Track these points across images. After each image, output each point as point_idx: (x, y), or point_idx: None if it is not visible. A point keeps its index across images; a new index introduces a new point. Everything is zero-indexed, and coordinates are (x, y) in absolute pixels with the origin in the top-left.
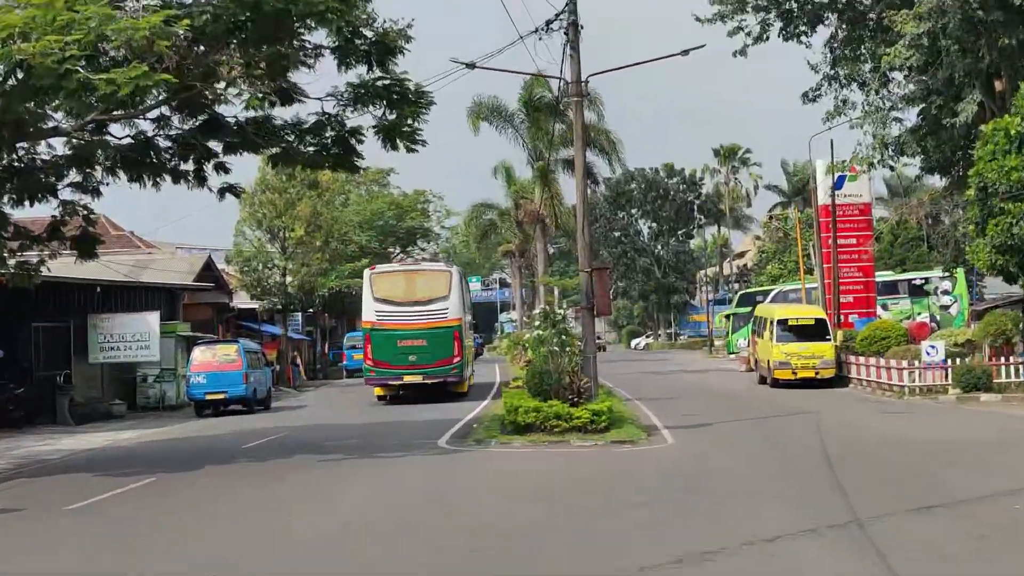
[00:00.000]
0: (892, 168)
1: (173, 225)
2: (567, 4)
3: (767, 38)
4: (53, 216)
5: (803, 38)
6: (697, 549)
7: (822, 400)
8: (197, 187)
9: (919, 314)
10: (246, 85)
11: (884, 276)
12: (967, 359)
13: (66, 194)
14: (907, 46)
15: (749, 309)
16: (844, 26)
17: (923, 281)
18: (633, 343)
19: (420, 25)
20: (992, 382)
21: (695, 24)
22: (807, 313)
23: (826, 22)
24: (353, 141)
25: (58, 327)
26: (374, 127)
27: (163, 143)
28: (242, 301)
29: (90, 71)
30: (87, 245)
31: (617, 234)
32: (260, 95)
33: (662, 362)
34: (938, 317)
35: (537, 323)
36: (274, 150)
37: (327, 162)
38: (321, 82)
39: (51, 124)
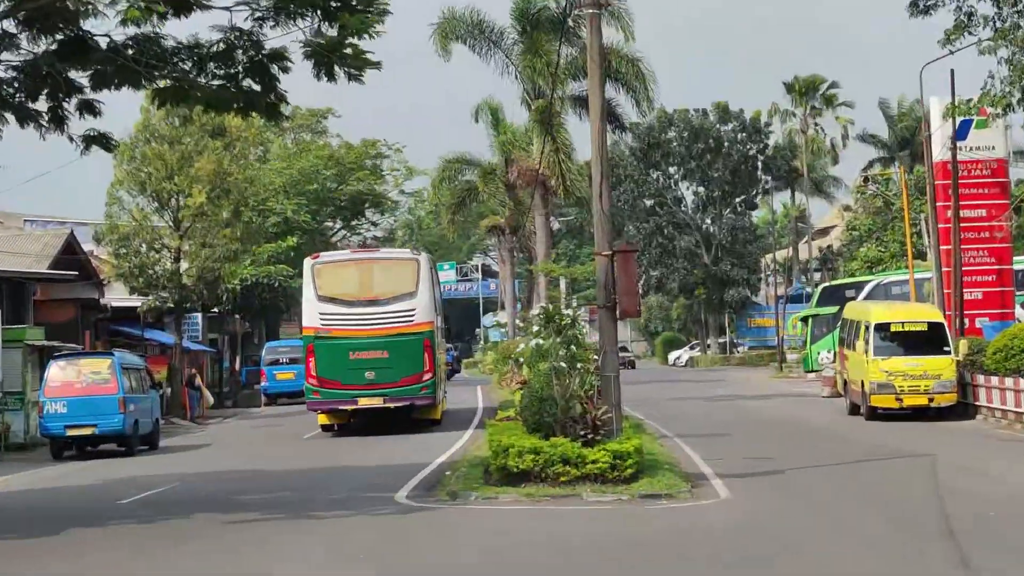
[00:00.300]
0: None
1: (18, 189)
2: None
3: None
4: None
5: None
6: None
7: (938, 438)
8: (54, 133)
9: None
10: None
11: None
12: None
13: None
14: None
15: (835, 309)
16: None
17: None
18: (672, 357)
19: None
20: None
21: None
22: (917, 315)
23: None
24: (275, 69)
25: None
26: (304, 48)
27: (3, 72)
28: (118, 296)
29: None
30: None
31: (649, 203)
32: (143, 3)
33: (713, 384)
34: None
35: (536, 328)
36: (163, 83)
37: (238, 100)
38: None
39: None
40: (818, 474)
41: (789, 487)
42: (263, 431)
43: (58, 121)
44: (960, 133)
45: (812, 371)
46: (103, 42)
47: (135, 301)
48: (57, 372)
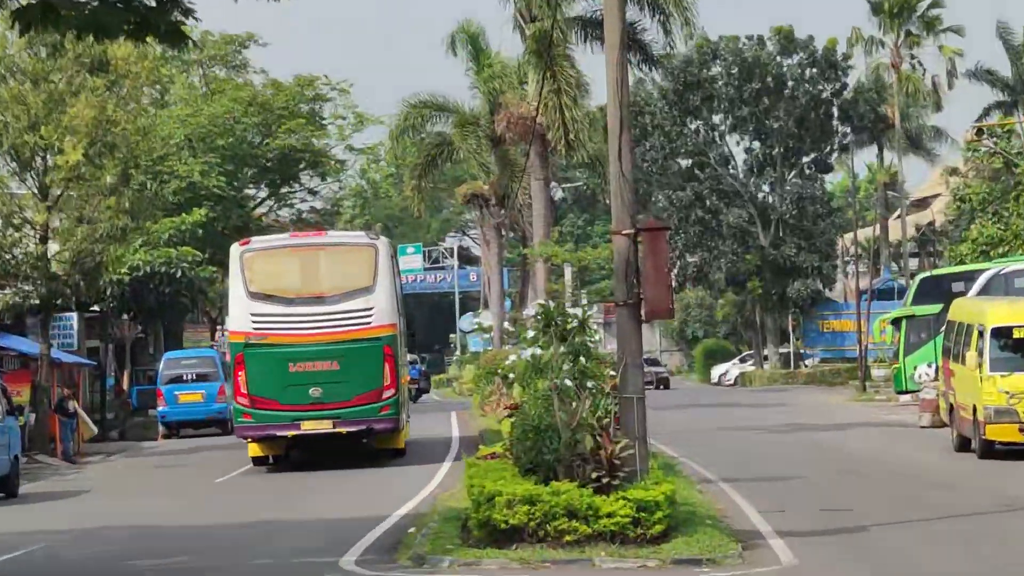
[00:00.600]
0: None
1: None
2: None
3: None
4: None
5: None
6: None
7: None
8: None
9: None
10: None
11: None
12: None
13: None
14: None
15: (938, 309)
16: None
17: None
18: (716, 372)
19: None
20: None
21: None
22: None
23: None
24: None
25: None
26: None
27: None
28: None
29: None
30: None
31: (686, 163)
32: None
33: (771, 410)
34: None
35: (531, 334)
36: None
37: (127, 20)
38: None
39: None
40: (914, 534)
41: (874, 552)
42: (161, 472)
43: None
44: None
45: (906, 392)
46: None
47: None
48: None
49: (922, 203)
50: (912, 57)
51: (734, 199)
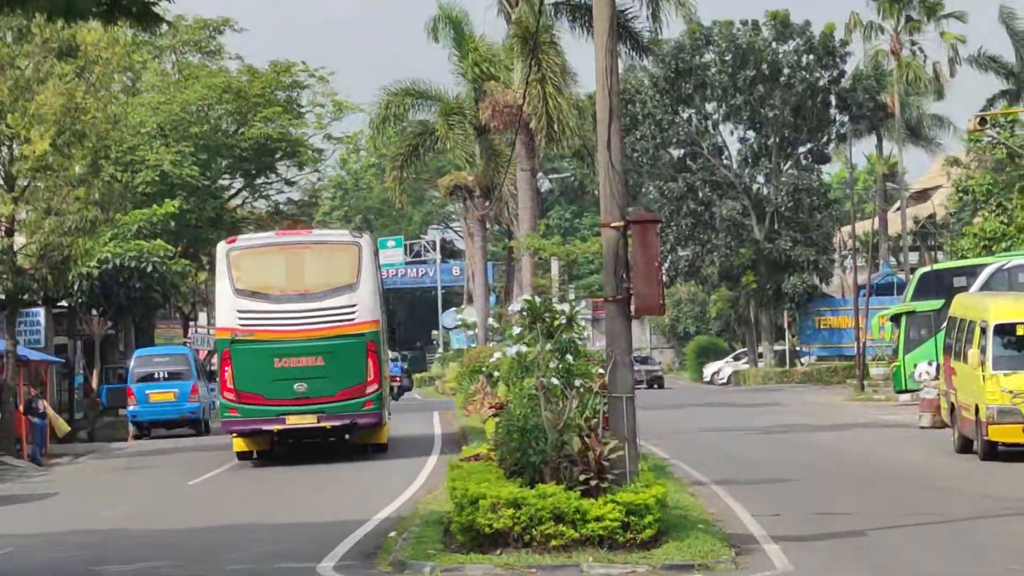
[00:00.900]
0: None
1: None
2: None
3: None
4: None
5: None
6: None
7: None
8: None
9: None
10: None
11: None
12: None
13: None
14: None
15: (939, 304)
16: None
17: None
18: (709, 371)
19: None
20: None
21: None
22: None
23: None
24: None
25: None
26: None
27: None
28: None
29: None
30: None
31: (678, 153)
32: None
33: (766, 410)
34: None
35: (517, 331)
36: None
37: (97, 3)
38: None
39: None
40: (913, 539)
41: (872, 557)
42: (131, 474)
43: None
44: None
45: (906, 391)
46: None
47: None
48: None
49: (922, 195)
50: (912, 43)
51: (728, 191)
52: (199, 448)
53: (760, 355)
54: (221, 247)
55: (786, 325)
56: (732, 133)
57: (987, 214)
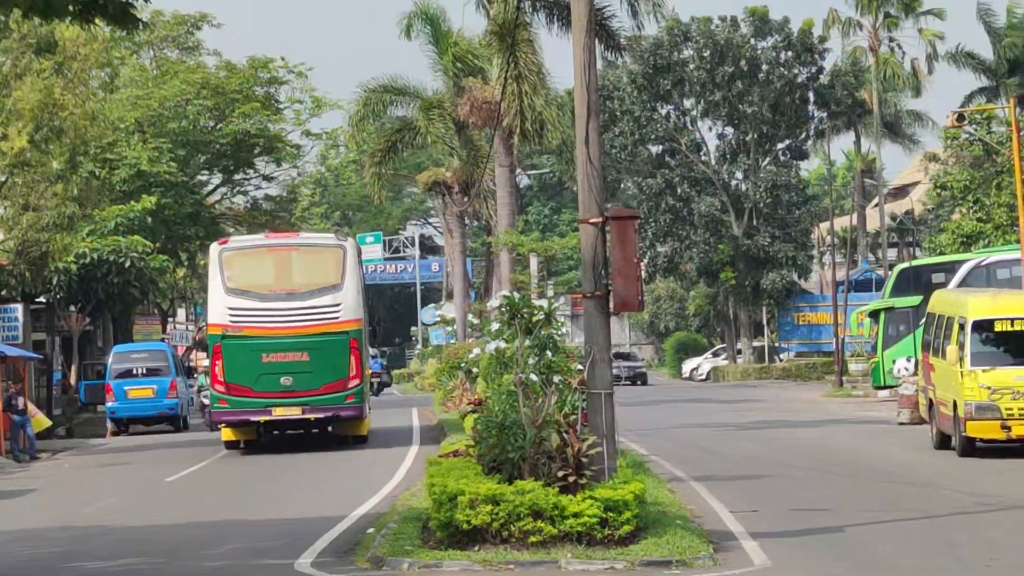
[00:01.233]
0: None
1: None
2: None
3: None
4: None
5: None
6: None
7: None
8: None
9: None
10: None
11: None
12: None
13: None
14: None
15: (918, 301)
16: None
17: None
18: (688, 367)
19: None
20: None
21: None
22: None
23: None
24: None
25: None
26: None
27: None
28: None
29: None
30: None
31: (656, 149)
32: None
33: (745, 406)
34: None
35: (496, 327)
36: None
37: (74, 2)
38: None
39: None
40: (892, 534)
41: (851, 552)
42: (110, 471)
43: None
44: None
45: (884, 387)
46: None
47: None
48: None
49: (901, 191)
50: (891, 40)
51: (706, 187)
52: (178, 444)
53: (739, 351)
54: (214, 248)
55: (765, 321)
56: (710, 129)
57: (965, 211)
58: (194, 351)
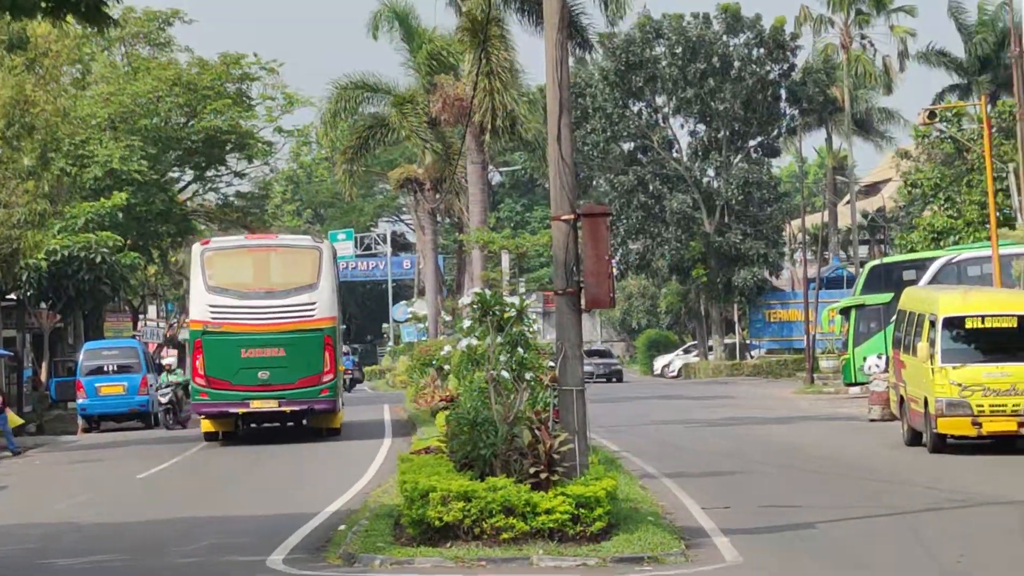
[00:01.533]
0: None
1: None
2: None
3: None
4: None
5: None
6: None
7: None
8: None
9: None
10: None
11: None
12: None
13: None
14: None
15: (888, 298)
16: None
17: None
18: (659, 364)
19: None
20: None
21: None
22: (1003, 306)
23: None
24: None
25: None
26: None
27: None
28: None
29: None
30: None
31: (628, 146)
32: None
33: (716, 402)
34: None
35: (467, 324)
36: None
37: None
38: None
39: None
40: (863, 530)
41: (822, 548)
42: (81, 467)
43: None
44: None
45: (855, 384)
46: None
47: None
48: None
49: (872, 188)
50: (862, 37)
51: (678, 184)
52: (149, 441)
53: (710, 348)
54: (196, 248)
55: (736, 318)
56: (682, 126)
57: (936, 208)
58: (165, 348)
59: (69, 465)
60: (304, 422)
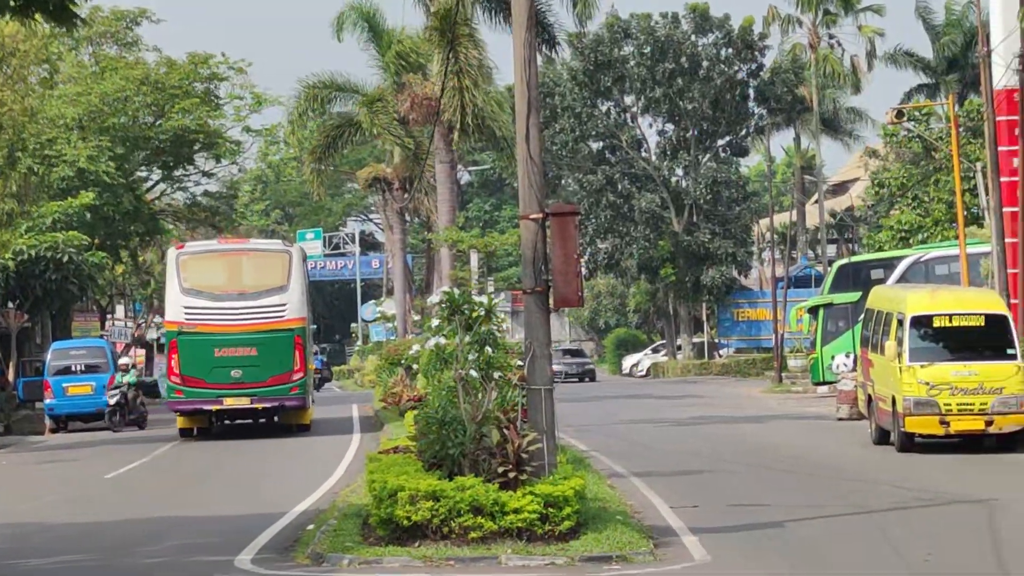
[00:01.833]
0: None
1: None
2: None
3: None
4: None
5: None
6: None
7: (1000, 477)
8: None
9: None
10: None
11: None
12: None
13: None
14: None
15: (856, 297)
16: None
17: None
18: (628, 363)
19: None
20: None
21: None
22: (970, 304)
23: None
24: None
25: None
26: None
27: None
28: None
29: None
30: None
31: (597, 146)
32: None
33: (684, 402)
34: None
35: (436, 323)
36: None
37: None
38: None
39: None
40: (831, 528)
41: (791, 547)
42: (48, 468)
43: None
44: None
45: (823, 383)
46: None
47: None
48: None
49: (841, 188)
50: (830, 37)
51: (646, 183)
52: (117, 441)
53: (679, 347)
54: (171, 252)
55: (705, 317)
56: (651, 126)
57: (904, 207)
58: (133, 348)
59: (37, 465)
60: (275, 418)
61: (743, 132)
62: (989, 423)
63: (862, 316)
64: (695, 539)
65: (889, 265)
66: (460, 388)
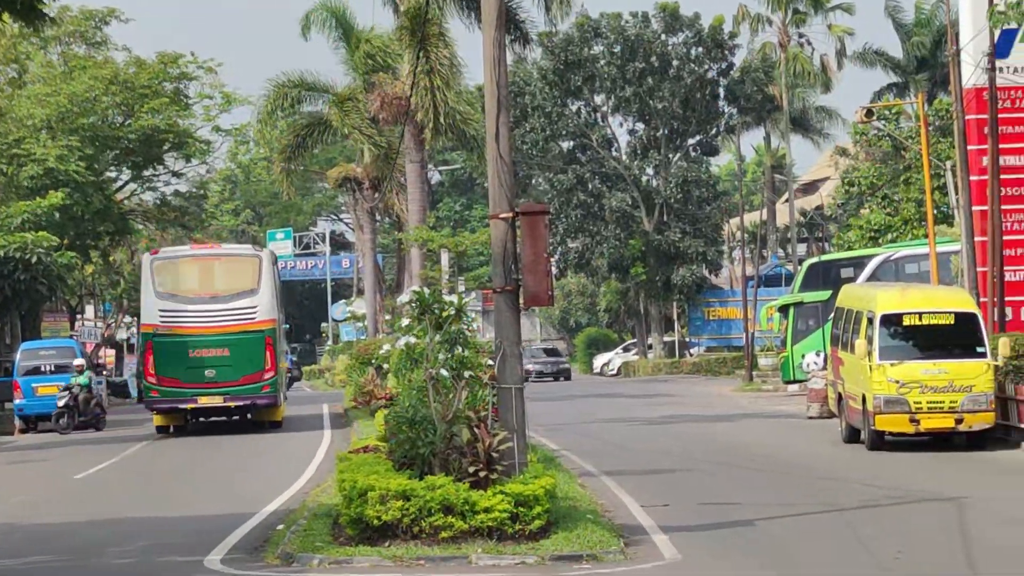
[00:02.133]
0: None
1: None
2: None
3: None
4: None
5: None
6: None
7: (970, 475)
8: None
9: None
10: None
11: None
12: None
13: None
14: None
15: (827, 295)
16: None
17: None
18: (598, 362)
19: None
20: None
21: None
22: (940, 303)
23: None
24: None
25: None
26: None
27: None
28: None
29: None
30: None
31: (567, 145)
32: None
33: (655, 401)
34: None
35: (406, 322)
36: None
37: None
38: None
39: None
40: (801, 527)
41: (761, 545)
42: (17, 468)
43: None
44: (1001, 48)
45: (794, 381)
46: None
47: None
48: None
49: (811, 187)
50: (800, 36)
51: (617, 182)
52: (86, 441)
53: (650, 346)
54: (146, 257)
55: (675, 316)
56: (621, 125)
57: (874, 206)
58: (103, 348)
59: (6, 466)
60: (248, 416)
61: (713, 131)
62: (959, 421)
63: (832, 315)
64: (665, 538)
65: (859, 264)
66: (430, 387)
